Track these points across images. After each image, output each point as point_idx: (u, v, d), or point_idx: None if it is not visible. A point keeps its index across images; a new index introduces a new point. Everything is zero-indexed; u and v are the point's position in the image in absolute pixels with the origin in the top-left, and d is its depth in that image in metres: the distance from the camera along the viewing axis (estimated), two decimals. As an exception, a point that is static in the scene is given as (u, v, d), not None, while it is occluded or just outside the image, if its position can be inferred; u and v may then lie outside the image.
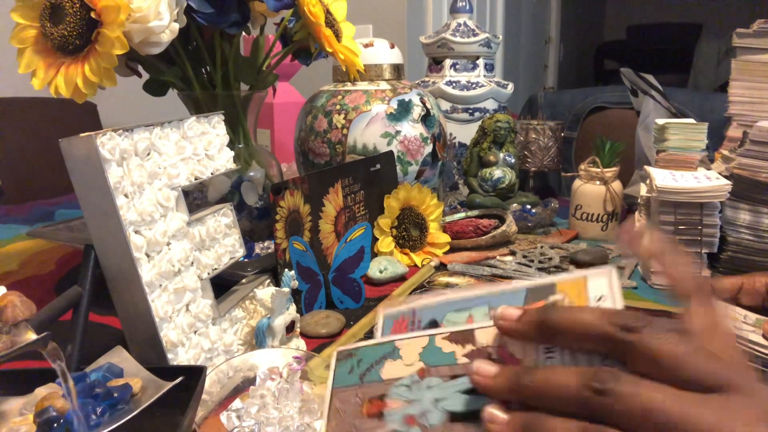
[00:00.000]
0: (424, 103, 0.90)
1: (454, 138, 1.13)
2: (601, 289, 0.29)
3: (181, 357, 0.48)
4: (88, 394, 0.38)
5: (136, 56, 0.69)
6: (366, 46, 0.91)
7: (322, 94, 0.91)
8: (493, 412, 0.27)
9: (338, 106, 0.88)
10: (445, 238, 0.85)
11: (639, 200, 0.83)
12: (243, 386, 0.46)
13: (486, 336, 0.29)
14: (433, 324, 0.31)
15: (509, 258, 0.84)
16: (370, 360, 0.31)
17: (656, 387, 0.24)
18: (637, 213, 0.84)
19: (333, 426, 0.30)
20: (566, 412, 0.25)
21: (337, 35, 0.79)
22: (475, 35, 1.11)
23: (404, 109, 0.88)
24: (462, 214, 0.93)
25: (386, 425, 0.29)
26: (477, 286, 0.31)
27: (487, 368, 0.27)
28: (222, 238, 0.55)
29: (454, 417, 0.28)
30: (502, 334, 0.28)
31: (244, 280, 0.63)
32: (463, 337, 0.29)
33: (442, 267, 0.81)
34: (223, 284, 0.60)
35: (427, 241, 0.84)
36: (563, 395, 0.25)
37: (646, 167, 0.82)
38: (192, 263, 0.51)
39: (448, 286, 0.72)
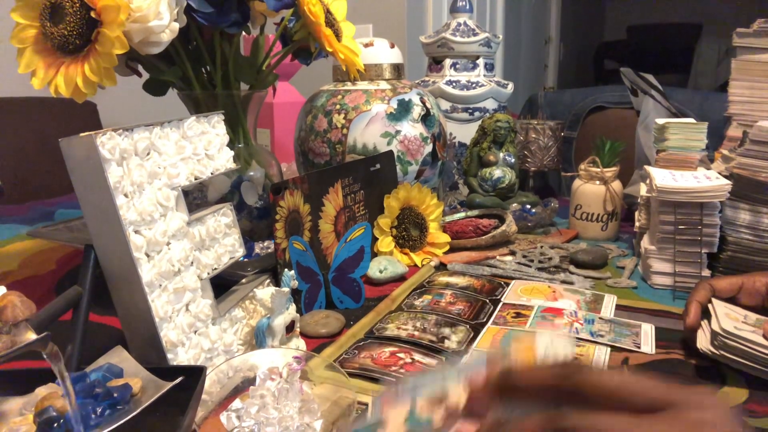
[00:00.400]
0: (424, 103, 0.90)
1: (454, 138, 1.13)
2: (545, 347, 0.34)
3: (181, 357, 0.48)
4: (88, 394, 0.38)
5: (136, 56, 0.69)
6: (366, 45, 0.91)
7: (322, 94, 0.91)
8: None
9: (338, 106, 0.88)
10: (445, 237, 0.85)
11: (639, 200, 0.83)
12: (243, 386, 0.46)
13: (457, 395, 0.33)
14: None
15: (509, 258, 0.84)
16: None
17: (610, 415, 0.26)
18: (637, 213, 0.84)
19: None
20: None
21: (337, 35, 0.79)
22: (475, 35, 1.11)
23: (404, 108, 0.88)
24: (462, 214, 0.93)
25: None
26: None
27: (468, 429, 0.31)
28: (222, 237, 0.55)
29: None
30: (472, 399, 0.32)
31: (244, 280, 0.63)
32: (440, 399, 0.33)
33: (442, 267, 0.81)
34: (223, 284, 0.60)
35: (427, 240, 0.84)
36: None
37: (646, 167, 0.82)
38: (192, 263, 0.51)
39: (448, 285, 0.72)
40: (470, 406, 0.32)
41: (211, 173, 0.55)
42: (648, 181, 0.79)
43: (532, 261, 0.81)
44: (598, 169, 0.90)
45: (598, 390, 0.27)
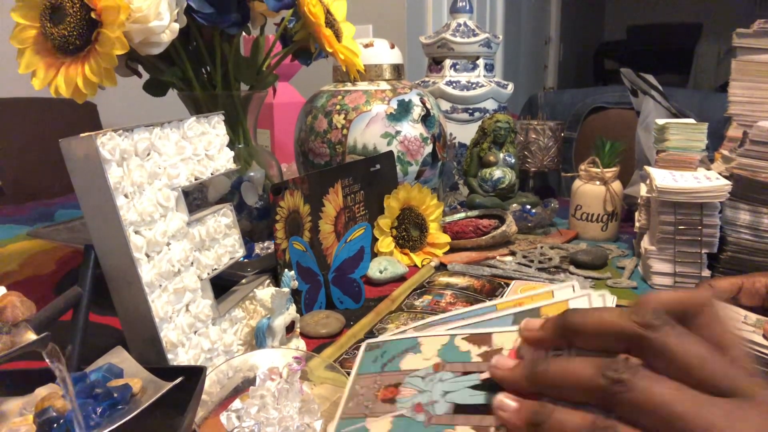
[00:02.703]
0: (424, 103, 0.90)
1: (454, 138, 1.13)
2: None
3: (181, 357, 0.48)
4: (88, 394, 0.38)
5: (136, 56, 0.69)
6: (366, 46, 0.91)
7: (322, 94, 0.91)
8: (504, 399, 0.27)
9: (338, 106, 0.88)
10: (445, 238, 0.85)
11: (639, 200, 0.83)
12: (243, 386, 0.46)
13: (502, 340, 0.31)
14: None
15: (509, 258, 0.84)
16: (393, 352, 0.34)
17: (670, 383, 0.24)
18: (637, 213, 0.84)
19: (349, 405, 0.33)
20: (579, 402, 0.26)
21: (337, 35, 0.79)
22: (475, 35, 1.11)
23: (404, 109, 0.88)
24: (462, 215, 0.93)
25: (396, 409, 0.31)
26: (464, 311, 0.34)
27: (506, 361, 0.28)
28: (222, 238, 0.55)
29: (459, 409, 0.29)
30: (526, 344, 0.29)
31: (244, 281, 0.63)
32: (481, 339, 0.31)
33: (442, 267, 0.81)
34: (223, 284, 0.60)
35: (427, 241, 0.84)
36: (578, 383, 0.26)
37: (646, 167, 0.82)
38: (192, 263, 0.51)
39: (448, 286, 0.72)
40: (512, 349, 0.30)
41: (211, 174, 0.55)
42: (648, 182, 0.79)
43: (532, 261, 0.81)
44: (598, 170, 0.90)
45: (673, 355, 0.24)
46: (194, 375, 0.42)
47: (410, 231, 0.83)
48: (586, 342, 0.27)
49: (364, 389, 0.33)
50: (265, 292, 0.53)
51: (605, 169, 0.90)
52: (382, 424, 0.30)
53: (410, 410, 0.30)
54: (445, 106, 1.11)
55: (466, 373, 0.30)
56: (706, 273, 0.71)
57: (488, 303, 0.35)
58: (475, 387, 0.30)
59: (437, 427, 0.29)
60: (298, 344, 0.56)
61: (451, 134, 1.12)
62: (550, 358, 0.27)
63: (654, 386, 0.24)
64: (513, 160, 0.99)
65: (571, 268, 0.79)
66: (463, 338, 0.32)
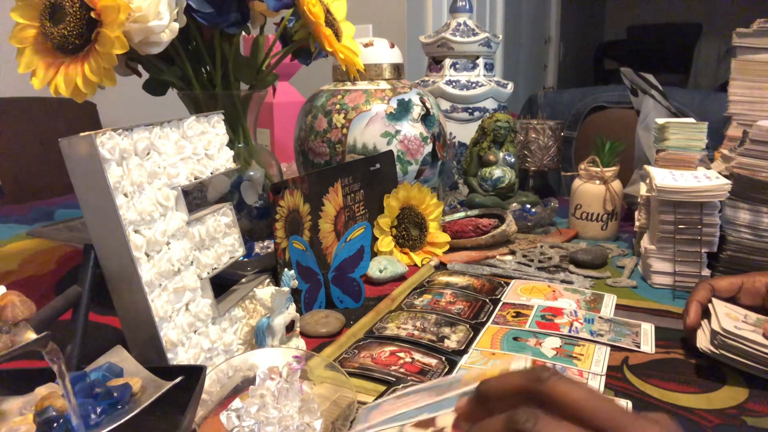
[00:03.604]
0: (423, 103, 0.90)
1: (454, 137, 1.13)
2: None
3: (180, 357, 0.48)
4: (87, 393, 0.38)
5: (136, 56, 0.69)
6: (366, 45, 0.91)
7: (322, 94, 0.91)
8: None
9: (338, 106, 0.88)
10: (445, 237, 0.85)
11: (639, 200, 0.83)
12: (243, 386, 0.46)
13: (445, 421, 0.34)
14: None
15: (509, 257, 0.84)
16: None
17: (568, 427, 0.27)
18: (636, 212, 0.84)
19: None
20: None
21: (337, 35, 0.79)
22: (475, 35, 1.11)
23: (404, 108, 0.88)
24: (462, 214, 0.93)
25: None
26: (416, 400, 0.38)
27: None
28: (222, 237, 0.55)
29: None
30: (462, 421, 0.33)
31: (243, 280, 0.63)
32: (426, 423, 0.35)
33: (441, 266, 0.81)
34: (222, 284, 0.60)
35: (427, 240, 0.84)
36: None
37: (645, 167, 0.82)
38: (192, 263, 0.51)
39: (447, 285, 0.72)
40: (454, 427, 0.33)
41: (211, 173, 0.55)
42: (648, 181, 0.79)
43: (532, 261, 0.81)
44: (598, 169, 0.90)
45: (563, 400, 0.28)
46: (194, 374, 0.42)
47: (410, 230, 0.83)
48: (501, 407, 0.30)
49: None
50: (265, 291, 0.53)
51: (605, 169, 0.90)
52: None
53: None
54: (445, 105, 1.11)
55: None
56: (706, 272, 0.71)
57: (452, 378, 0.39)
58: None
59: None
60: (298, 343, 0.56)
61: (450, 133, 1.12)
62: (471, 429, 0.31)
63: (551, 429, 0.27)
64: (513, 160, 0.99)
65: (571, 268, 0.79)
66: (411, 426, 0.35)
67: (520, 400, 0.30)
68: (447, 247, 0.85)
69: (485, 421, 0.30)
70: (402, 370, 0.52)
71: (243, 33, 0.76)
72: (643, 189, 0.83)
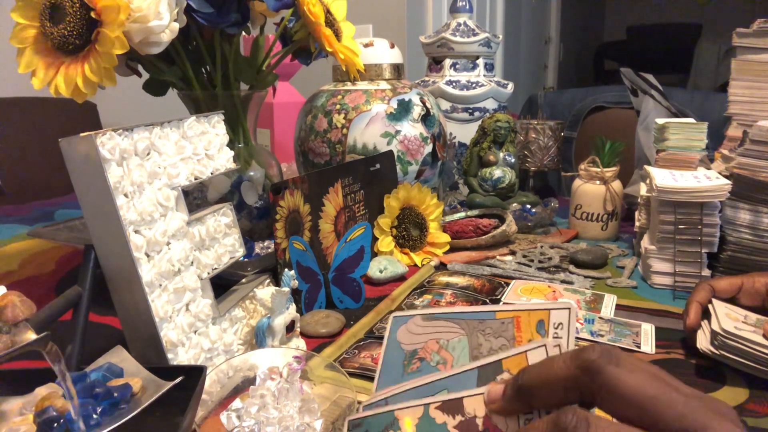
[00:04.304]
0: (423, 103, 0.90)
1: (454, 138, 1.13)
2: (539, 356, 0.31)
3: (181, 357, 0.48)
4: (88, 394, 0.38)
5: (136, 56, 0.69)
6: (366, 45, 0.91)
7: (322, 94, 0.91)
8: None
9: (338, 106, 0.88)
10: (445, 237, 0.85)
11: (639, 200, 0.83)
12: (243, 386, 0.46)
13: (474, 406, 0.31)
14: None
15: (509, 258, 0.84)
16: (374, 430, 0.34)
17: (626, 431, 0.24)
18: (637, 213, 0.84)
19: None
20: None
21: (337, 35, 0.79)
22: (475, 35, 1.11)
23: (404, 108, 0.88)
24: (462, 214, 0.93)
25: None
26: (430, 375, 0.35)
27: None
28: (222, 237, 0.55)
29: None
30: (492, 415, 0.30)
31: (244, 280, 0.63)
32: (454, 407, 0.32)
33: (442, 267, 0.81)
34: (223, 284, 0.60)
35: (427, 240, 0.84)
36: None
37: (646, 167, 0.82)
38: (192, 263, 0.51)
39: (448, 285, 0.72)
40: (485, 417, 0.30)
41: (211, 173, 0.55)
42: (648, 181, 0.79)
43: (532, 261, 0.81)
44: (598, 169, 0.90)
45: (622, 394, 0.24)
46: (194, 374, 0.42)
47: (410, 230, 0.83)
48: (543, 401, 0.27)
49: None
50: (265, 291, 0.53)
51: (605, 169, 0.90)
52: None
53: None
54: (445, 105, 1.11)
55: None
56: (706, 272, 0.71)
57: (488, 308, 0.35)
58: None
59: None
60: (298, 344, 0.56)
61: (451, 134, 1.12)
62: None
63: None
64: (513, 160, 0.99)
65: (571, 268, 0.79)
66: (436, 407, 0.32)
67: (568, 395, 0.26)
68: (447, 248, 0.85)
69: (526, 427, 0.26)
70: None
71: (243, 33, 0.76)
72: (643, 189, 0.83)
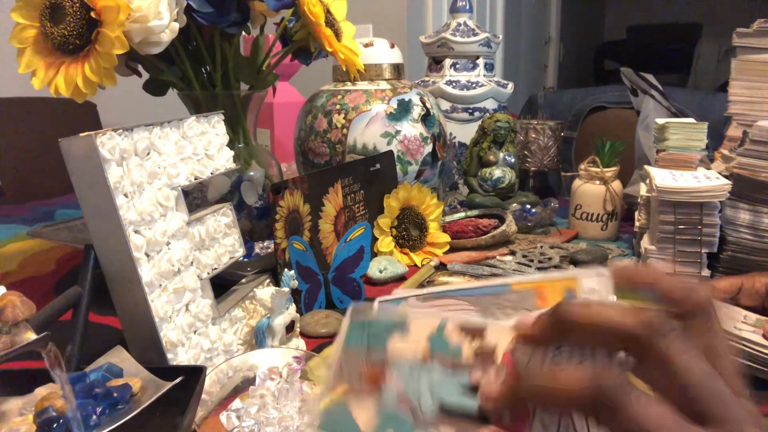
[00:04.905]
0: (423, 103, 0.90)
1: (454, 138, 1.12)
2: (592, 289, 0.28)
3: (180, 357, 0.48)
4: (87, 394, 0.38)
5: (136, 56, 0.69)
6: (366, 45, 0.91)
7: (322, 94, 0.91)
8: None
9: (338, 106, 0.88)
10: (445, 237, 0.85)
11: (639, 200, 0.83)
12: (243, 386, 0.46)
13: (497, 337, 0.28)
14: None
15: (509, 258, 0.84)
16: (380, 328, 0.31)
17: (664, 414, 0.22)
18: (637, 213, 0.84)
19: (341, 386, 0.30)
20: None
21: (337, 35, 0.79)
22: (475, 35, 1.11)
23: (404, 108, 0.88)
24: (462, 214, 0.93)
25: (381, 399, 0.29)
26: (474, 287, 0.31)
27: (490, 390, 0.26)
28: (222, 237, 0.55)
29: (446, 409, 0.28)
30: (521, 342, 0.27)
31: (243, 280, 0.63)
32: (474, 331, 0.29)
33: (441, 267, 0.81)
34: (222, 284, 0.60)
35: (427, 240, 0.84)
36: (566, 398, 0.24)
37: (645, 167, 0.82)
38: (192, 263, 0.51)
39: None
40: (506, 352, 0.27)
41: (211, 173, 0.55)
42: (648, 181, 0.79)
43: (532, 261, 0.81)
44: (598, 169, 0.90)
45: (677, 370, 0.23)
46: (194, 374, 0.42)
47: (410, 230, 0.83)
48: (583, 339, 0.25)
49: (349, 367, 0.30)
50: (265, 291, 0.53)
51: (605, 169, 0.90)
52: (367, 413, 0.29)
53: (395, 401, 0.28)
54: (445, 105, 1.11)
55: (455, 369, 0.28)
56: (706, 273, 0.71)
57: (502, 281, 0.31)
58: (464, 387, 0.28)
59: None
60: (298, 344, 0.56)
61: (451, 134, 1.12)
62: (532, 376, 0.25)
63: (645, 415, 0.22)
64: (513, 160, 0.99)
65: (571, 268, 0.79)
66: (456, 325, 0.29)
67: (615, 342, 0.24)
68: (447, 248, 0.85)
69: (557, 373, 0.24)
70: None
71: (243, 33, 0.76)
72: (643, 189, 0.83)
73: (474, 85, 1.11)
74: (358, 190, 0.79)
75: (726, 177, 0.73)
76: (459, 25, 1.12)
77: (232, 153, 0.58)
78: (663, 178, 0.73)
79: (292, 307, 0.55)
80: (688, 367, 0.23)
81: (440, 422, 0.27)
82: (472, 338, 0.29)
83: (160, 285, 0.47)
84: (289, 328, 0.55)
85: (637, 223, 0.83)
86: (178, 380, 0.41)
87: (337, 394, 0.30)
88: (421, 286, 0.73)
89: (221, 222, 0.55)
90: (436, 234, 0.85)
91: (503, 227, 0.85)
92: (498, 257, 0.84)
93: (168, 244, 0.48)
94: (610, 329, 0.24)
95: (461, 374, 0.28)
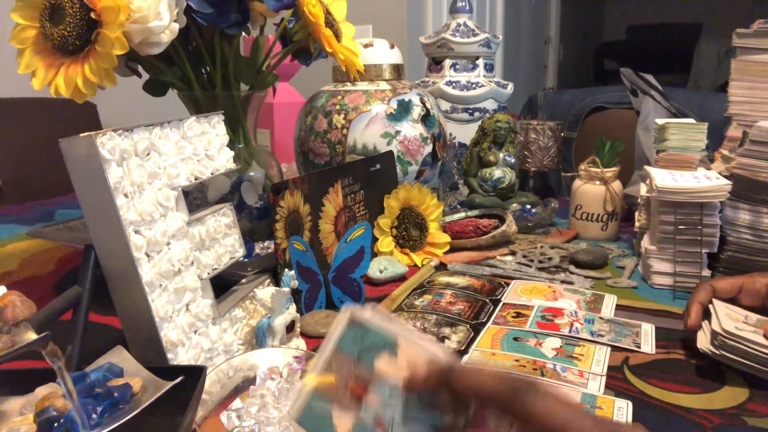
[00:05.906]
0: (423, 103, 0.90)
1: (454, 138, 1.13)
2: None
3: (181, 357, 0.48)
4: (88, 393, 0.38)
5: (136, 56, 0.69)
6: (366, 46, 0.91)
7: (322, 94, 0.91)
8: None
9: (338, 106, 0.88)
10: (445, 238, 0.85)
11: (639, 200, 0.83)
12: (243, 386, 0.46)
13: (384, 367, 0.31)
14: None
15: (509, 258, 0.84)
16: (372, 341, 0.32)
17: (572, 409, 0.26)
18: (637, 213, 0.84)
19: (333, 383, 0.32)
20: None
21: (337, 35, 0.79)
22: (474, 35, 1.11)
23: (404, 109, 0.88)
24: (462, 214, 0.93)
25: (359, 414, 0.30)
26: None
27: (416, 372, 0.30)
28: (222, 237, 0.55)
29: None
30: (408, 388, 0.30)
31: (244, 280, 0.63)
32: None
33: (442, 267, 0.81)
34: (223, 284, 0.60)
35: (427, 241, 0.84)
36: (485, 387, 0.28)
37: (646, 167, 0.82)
38: (192, 263, 0.51)
39: (448, 286, 0.72)
40: (410, 386, 0.30)
41: (211, 173, 0.55)
42: (648, 181, 0.79)
43: (532, 261, 0.81)
44: (598, 170, 0.90)
45: (543, 420, 0.26)
46: (194, 374, 0.42)
47: (410, 231, 0.83)
48: (464, 403, 0.29)
49: (338, 372, 0.32)
50: (265, 291, 0.53)
51: (605, 169, 0.90)
52: (345, 422, 0.30)
53: (371, 420, 0.30)
54: (445, 106, 1.11)
55: (429, 409, 0.31)
56: (706, 273, 0.71)
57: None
58: (435, 429, 0.30)
59: None
60: (299, 344, 0.56)
61: (451, 134, 1.12)
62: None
63: (550, 406, 0.26)
64: (513, 160, 0.99)
65: (571, 268, 0.79)
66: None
67: (491, 404, 0.28)
68: (447, 248, 0.85)
69: (483, 369, 0.28)
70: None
71: (243, 33, 0.76)
72: (643, 189, 0.83)
73: (474, 85, 1.11)
74: (358, 190, 0.79)
75: (726, 177, 0.73)
76: (459, 25, 1.12)
77: (232, 153, 0.58)
78: (663, 178, 0.73)
79: (293, 307, 0.55)
80: (550, 415, 0.26)
81: None
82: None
83: (161, 285, 0.47)
84: (290, 328, 0.55)
85: (637, 224, 0.83)
86: (178, 380, 0.41)
87: (322, 386, 0.31)
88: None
89: (221, 222, 0.55)
90: (436, 234, 0.85)
91: (503, 227, 0.85)
92: (498, 257, 0.84)
93: (168, 244, 0.49)
94: (483, 391, 0.28)
95: (434, 415, 0.30)
